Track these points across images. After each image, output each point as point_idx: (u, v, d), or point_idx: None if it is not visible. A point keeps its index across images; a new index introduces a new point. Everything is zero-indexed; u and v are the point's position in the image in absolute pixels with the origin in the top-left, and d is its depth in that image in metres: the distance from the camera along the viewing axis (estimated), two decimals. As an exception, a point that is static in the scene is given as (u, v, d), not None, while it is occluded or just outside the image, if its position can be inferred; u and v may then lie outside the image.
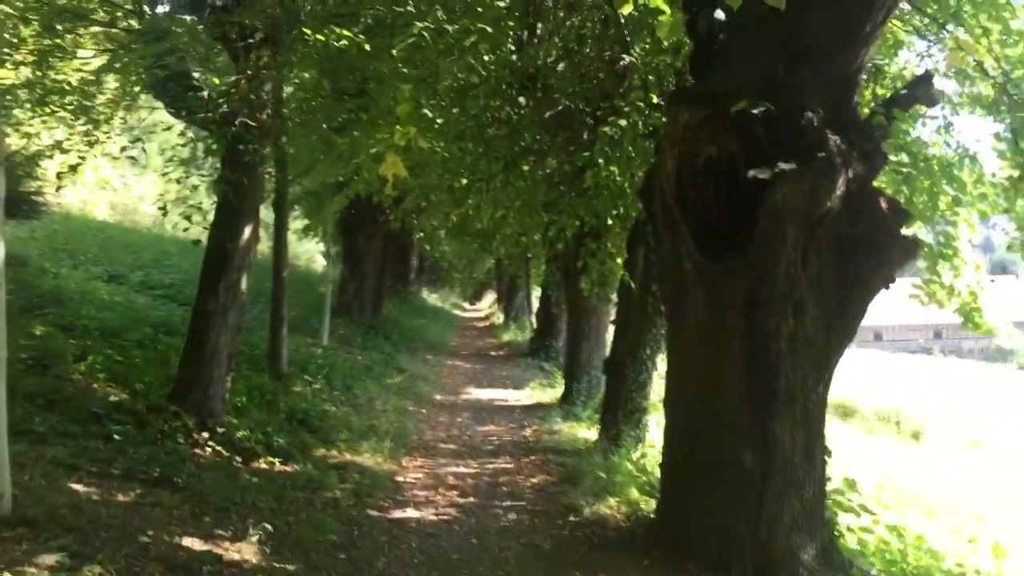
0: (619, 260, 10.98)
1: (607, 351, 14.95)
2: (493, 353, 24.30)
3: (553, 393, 15.94)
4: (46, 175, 14.65)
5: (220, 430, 8.12)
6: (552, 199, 11.26)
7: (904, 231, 5.98)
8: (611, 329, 14.49)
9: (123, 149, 8.73)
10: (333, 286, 21.94)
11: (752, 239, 5.92)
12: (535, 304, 28.98)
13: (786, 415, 5.86)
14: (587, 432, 12.30)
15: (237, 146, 7.66)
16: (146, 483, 6.31)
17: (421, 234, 27.11)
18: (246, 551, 5.42)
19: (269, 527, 5.78)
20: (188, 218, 7.34)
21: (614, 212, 9.34)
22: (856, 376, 38.35)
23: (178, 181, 7.55)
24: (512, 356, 23.13)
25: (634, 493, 8.06)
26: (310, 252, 42.37)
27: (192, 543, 5.28)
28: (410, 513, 7.35)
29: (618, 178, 8.84)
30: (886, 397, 30.44)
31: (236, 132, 7.70)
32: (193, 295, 9.13)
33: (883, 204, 5.84)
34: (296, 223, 28.87)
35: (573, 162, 10.31)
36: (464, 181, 11.29)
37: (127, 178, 48.29)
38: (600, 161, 8.33)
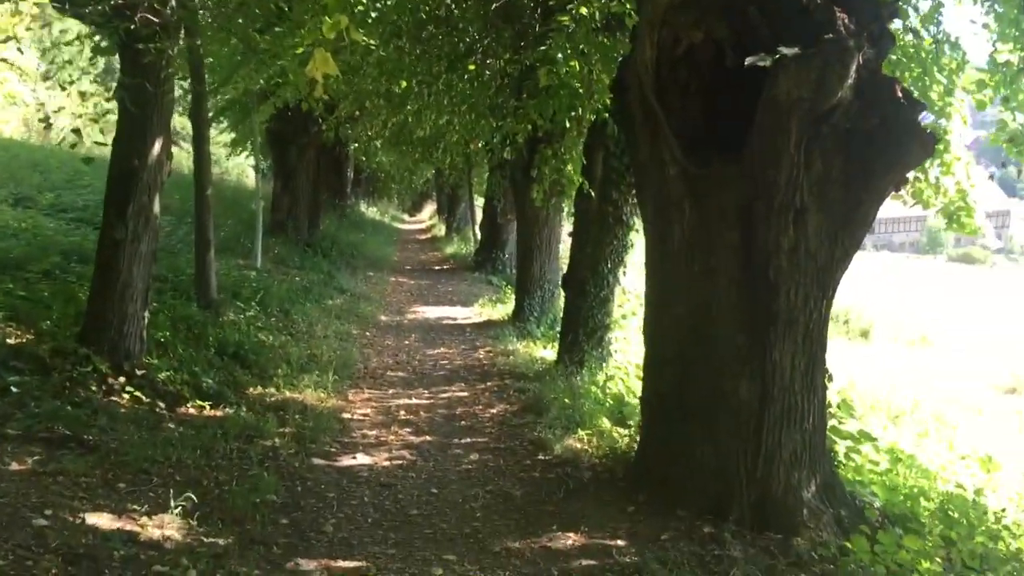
0: (574, 167, 10.14)
1: (560, 264, 14.25)
2: (437, 267, 23.38)
3: (504, 309, 15.19)
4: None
5: (139, 372, 7.17)
6: (500, 102, 10.27)
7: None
8: (565, 241, 13.76)
9: None
10: (265, 203, 20.74)
11: (744, 141, 5.11)
12: (479, 215, 28.03)
13: (786, 338, 5.15)
14: (544, 352, 11.61)
15: (135, 45, 6.50)
16: (49, 444, 5.40)
17: (356, 145, 25.78)
18: (168, 525, 4.58)
19: (194, 497, 4.92)
20: (76, 131, 6.20)
21: (571, 114, 8.42)
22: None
23: (62, 87, 6.35)
24: (457, 270, 22.24)
25: (605, 423, 7.38)
26: (241, 167, 40.47)
27: (101, 520, 4.41)
28: (361, 459, 6.56)
29: (576, 76, 7.90)
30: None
31: (133, 29, 6.53)
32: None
33: (898, 93, 5.03)
34: (223, 136, 27.28)
35: (522, 60, 9.32)
36: (403, 84, 10.19)
37: (39, 93, 45.60)
38: (558, 56, 7.36)
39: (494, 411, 8.34)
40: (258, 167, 16.29)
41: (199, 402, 7.19)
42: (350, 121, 23.79)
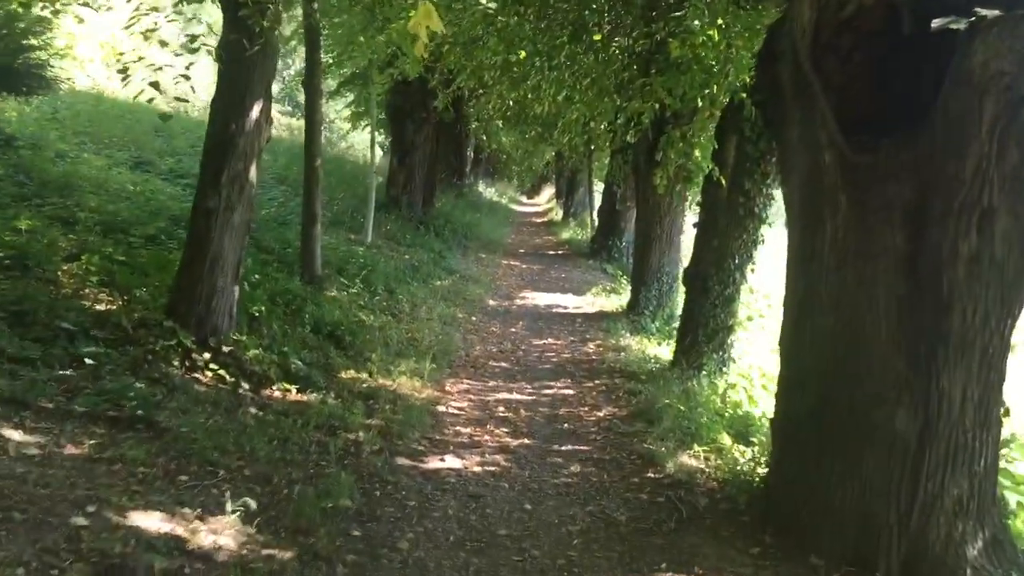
0: (702, 152, 9.32)
1: (681, 255, 13.37)
2: (551, 252, 22.71)
3: (618, 300, 14.41)
4: (54, 46, 13.25)
5: (226, 349, 6.77)
6: (626, 78, 9.47)
7: None
8: (687, 232, 12.86)
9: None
10: (379, 178, 20.52)
11: (918, 124, 4.23)
12: (597, 200, 27.21)
13: (958, 364, 4.25)
14: (658, 349, 10.81)
15: (237, -1, 6.04)
16: (115, 425, 4.99)
17: (476, 123, 25.34)
18: (224, 530, 4.07)
19: (258, 498, 4.41)
20: (155, 84, 5.74)
21: (704, 92, 7.60)
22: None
23: (145, 36, 5.93)
24: (571, 256, 21.51)
25: (725, 439, 6.58)
26: (367, 142, 40.75)
27: (149, 521, 3.92)
28: (449, 462, 5.94)
29: (713, 49, 7.07)
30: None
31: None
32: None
33: None
34: (346, 110, 27.28)
35: (653, 33, 8.51)
36: (522, 54, 9.51)
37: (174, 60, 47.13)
38: (695, 23, 6.54)
39: (600, 414, 7.62)
40: (373, 141, 15.91)
41: (285, 385, 6.74)
42: (471, 98, 23.47)
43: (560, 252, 22.55)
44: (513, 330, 11.77)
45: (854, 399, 4.47)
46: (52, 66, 10.59)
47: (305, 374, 7.01)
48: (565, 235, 25.86)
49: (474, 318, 12.20)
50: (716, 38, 6.75)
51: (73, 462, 4.31)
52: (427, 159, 19.32)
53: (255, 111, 6.76)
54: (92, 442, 4.61)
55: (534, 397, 8.20)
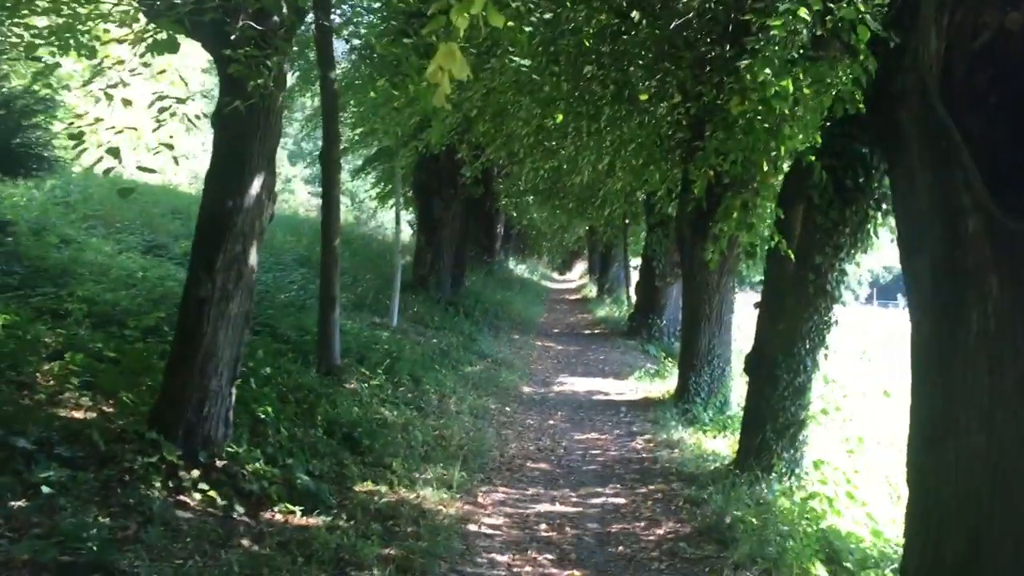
0: (758, 222, 8.33)
1: (731, 336, 12.27)
2: (587, 331, 21.62)
3: (664, 386, 13.25)
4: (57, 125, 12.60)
5: (220, 464, 5.77)
6: (675, 144, 8.54)
7: None
8: (739, 312, 11.82)
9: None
10: (406, 257, 19.73)
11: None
12: (633, 276, 26.21)
13: None
14: (714, 443, 9.66)
15: (225, 52, 5.20)
16: (67, 574, 3.97)
17: (506, 200, 24.60)
18: None
19: None
20: (114, 151, 4.77)
21: (771, 154, 6.63)
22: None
23: (107, 96, 5.03)
24: (609, 335, 20.38)
25: (817, 568, 5.41)
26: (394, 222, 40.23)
27: None
28: (483, 609, 4.85)
29: (783, 102, 6.10)
30: None
31: (236, 32, 5.25)
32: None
33: None
34: (374, 189, 26.71)
35: (707, 88, 7.59)
36: (559, 118, 8.61)
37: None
38: (767, 72, 5.58)
39: (660, 532, 6.47)
40: (399, 218, 15.07)
41: (288, 505, 5.69)
42: (501, 173, 22.76)
43: (596, 331, 21.46)
44: (552, 422, 10.67)
45: (1022, 544, 3.34)
46: (54, 147, 9.85)
47: (313, 490, 5.96)
48: (601, 313, 24.78)
49: (508, 408, 11.12)
50: (790, 89, 5.78)
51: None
52: (455, 236, 18.49)
53: (255, 185, 5.87)
54: (23, 609, 3.58)
55: (580, 508, 7.07)
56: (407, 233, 22.01)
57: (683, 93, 8.00)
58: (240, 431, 6.36)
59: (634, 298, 22.76)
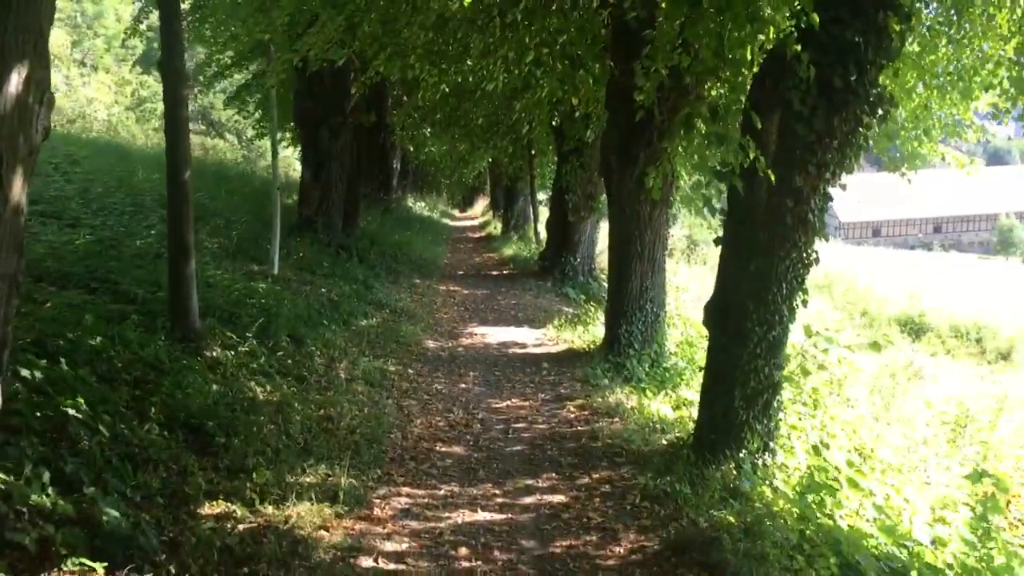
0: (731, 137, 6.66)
1: (666, 276, 10.75)
2: (496, 272, 19.81)
3: (588, 334, 11.64)
4: None
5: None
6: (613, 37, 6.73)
7: None
8: (675, 247, 10.24)
9: None
10: (291, 197, 17.60)
11: None
12: (542, 212, 24.54)
13: None
14: (658, 405, 8.13)
15: None
16: None
17: (402, 132, 22.41)
18: None
19: None
20: None
21: (759, 36, 4.92)
22: (885, 277, 34.34)
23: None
24: (519, 276, 18.58)
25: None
26: (290, 160, 37.21)
27: None
28: None
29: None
30: (941, 303, 26.42)
31: None
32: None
33: None
34: (254, 120, 24.11)
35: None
36: (466, 1, 6.68)
37: (72, 80, 43.23)
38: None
39: (620, 551, 4.84)
40: (275, 147, 12.83)
41: (85, 562, 3.81)
42: (396, 106, 20.59)
43: (505, 272, 19.69)
44: (463, 385, 8.95)
45: None
46: None
47: (124, 533, 4.07)
48: (508, 251, 22.96)
49: (410, 370, 9.34)
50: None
51: None
52: (346, 172, 16.30)
53: (12, 83, 3.83)
54: None
55: (509, 515, 5.39)
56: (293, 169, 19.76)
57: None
58: (22, 442, 4.41)
59: (543, 235, 21.10)
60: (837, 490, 5.18)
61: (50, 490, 4.13)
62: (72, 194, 11.93)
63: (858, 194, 54.41)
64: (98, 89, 43.36)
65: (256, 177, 23.62)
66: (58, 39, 32.65)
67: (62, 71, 40.83)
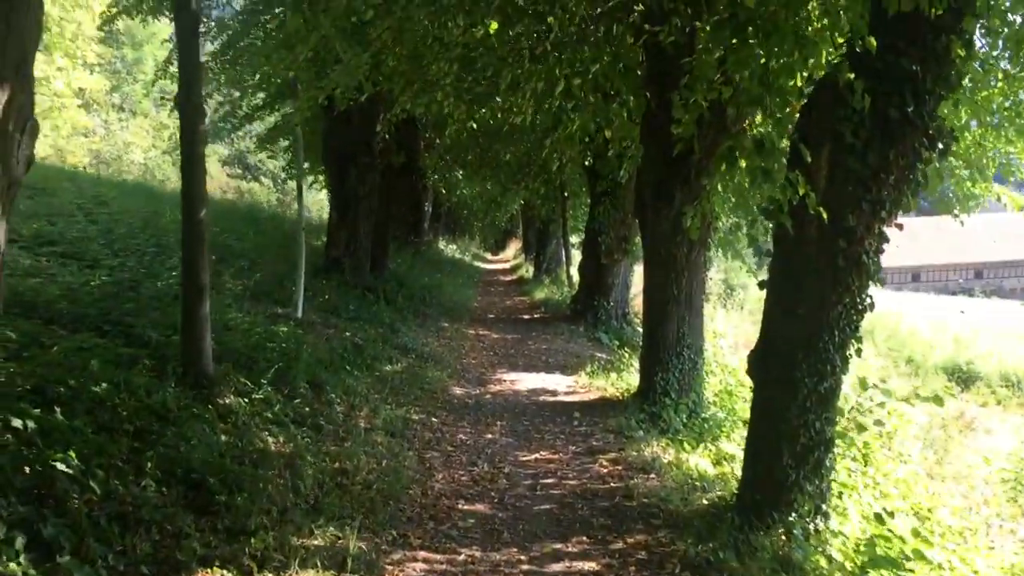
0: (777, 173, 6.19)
1: (703, 321, 10.24)
2: (526, 316, 19.37)
3: (620, 381, 11.13)
4: None
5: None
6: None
7: None
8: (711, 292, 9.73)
9: None
10: (320, 239, 17.33)
11: None
12: (574, 255, 24.08)
13: None
14: (697, 460, 7.59)
15: None
16: None
17: (434, 175, 22.19)
18: None
19: None
20: None
21: (808, 63, 4.48)
22: (929, 325, 33.30)
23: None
24: (550, 320, 18.12)
25: None
26: (321, 202, 37.20)
27: None
28: None
29: None
30: (991, 352, 25.46)
31: None
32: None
33: None
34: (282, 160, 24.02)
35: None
36: (493, 26, 6.32)
37: (110, 124, 43.80)
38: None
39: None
40: (300, 186, 12.55)
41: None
42: (428, 148, 20.37)
43: (536, 316, 19.23)
44: (489, 436, 8.47)
45: None
46: None
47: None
48: (539, 295, 22.52)
49: (435, 419, 8.88)
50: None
51: None
52: (375, 213, 16.02)
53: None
54: None
55: (536, 586, 4.89)
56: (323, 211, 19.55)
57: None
58: (1, 502, 4.01)
59: (576, 278, 20.64)
60: (905, 567, 4.62)
61: (22, 558, 3.72)
62: (95, 235, 11.75)
63: (896, 237, 53.31)
64: (135, 133, 43.88)
65: (286, 219, 23.48)
66: (97, 84, 33.20)
67: (101, 115, 41.42)
